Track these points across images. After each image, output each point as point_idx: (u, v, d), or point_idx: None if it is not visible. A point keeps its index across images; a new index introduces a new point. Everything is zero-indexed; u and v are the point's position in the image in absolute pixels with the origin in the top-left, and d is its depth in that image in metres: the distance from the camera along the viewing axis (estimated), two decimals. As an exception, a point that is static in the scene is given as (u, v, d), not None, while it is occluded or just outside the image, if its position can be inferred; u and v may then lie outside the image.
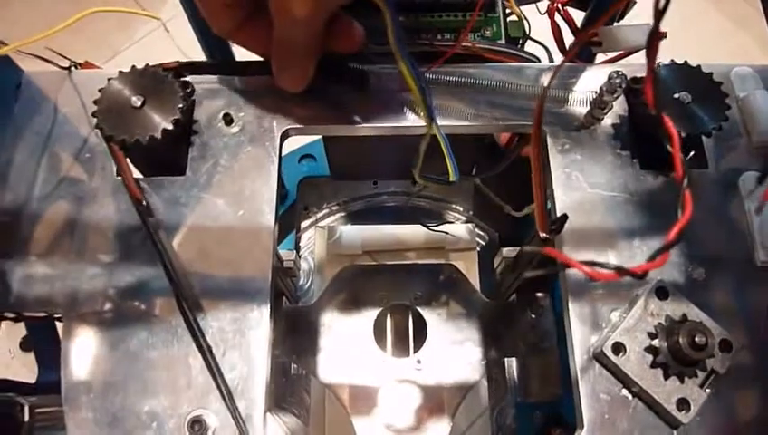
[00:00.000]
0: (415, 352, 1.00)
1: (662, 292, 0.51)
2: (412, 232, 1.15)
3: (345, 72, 0.58)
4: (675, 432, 0.50)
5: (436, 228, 1.17)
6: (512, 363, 1.06)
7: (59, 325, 0.64)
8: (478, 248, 1.19)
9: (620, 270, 0.41)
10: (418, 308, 1.03)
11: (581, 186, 0.57)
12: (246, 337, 0.52)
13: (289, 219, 1.18)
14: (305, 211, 1.23)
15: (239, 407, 0.49)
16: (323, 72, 0.56)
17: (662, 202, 0.57)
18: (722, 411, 0.51)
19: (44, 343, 0.64)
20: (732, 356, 0.49)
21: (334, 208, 1.25)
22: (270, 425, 0.51)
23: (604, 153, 0.59)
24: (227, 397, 0.48)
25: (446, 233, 1.15)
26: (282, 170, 0.60)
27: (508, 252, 0.97)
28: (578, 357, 0.52)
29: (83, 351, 0.52)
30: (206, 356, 0.49)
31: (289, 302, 1.06)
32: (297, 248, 1.23)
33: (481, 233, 1.24)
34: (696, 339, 0.46)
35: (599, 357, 0.51)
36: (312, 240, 1.23)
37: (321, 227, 1.25)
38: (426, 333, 1.02)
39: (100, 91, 0.55)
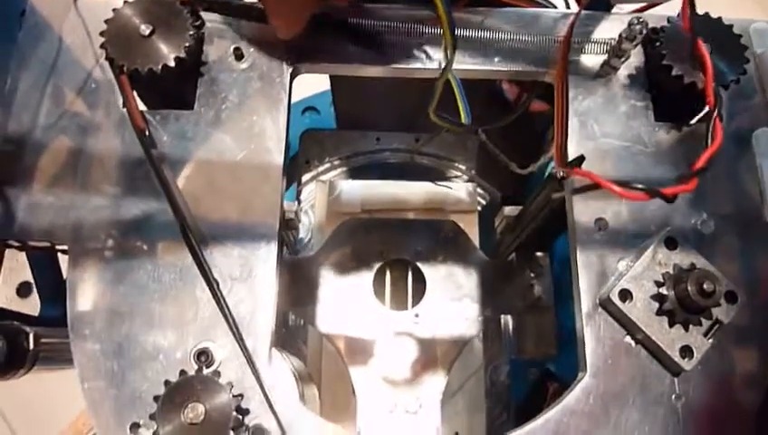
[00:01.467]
0: (413, 306, 1.01)
1: (671, 242, 0.51)
2: (413, 191, 1.14)
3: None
4: (676, 380, 0.50)
5: (438, 184, 1.17)
6: (508, 321, 1.07)
7: (62, 260, 0.64)
8: (479, 208, 1.19)
9: (650, 191, 0.41)
10: (418, 263, 1.03)
11: (595, 135, 0.57)
12: (254, 273, 0.52)
13: (290, 172, 1.17)
14: (306, 164, 1.22)
15: (245, 342, 0.49)
16: (323, 28, 0.56)
17: (674, 154, 0.56)
18: (723, 362, 0.51)
19: (47, 279, 0.64)
20: (737, 308, 0.50)
21: (336, 163, 1.24)
22: (275, 361, 0.51)
23: (619, 103, 0.58)
24: (234, 329, 0.48)
25: (449, 187, 1.15)
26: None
27: (510, 211, 0.97)
28: (584, 304, 0.52)
29: (89, 282, 0.52)
30: (212, 289, 0.49)
31: (289, 253, 1.06)
32: (298, 202, 1.22)
33: (482, 193, 1.24)
34: (705, 286, 0.46)
35: (605, 304, 0.51)
36: (313, 194, 1.22)
37: (322, 181, 1.24)
38: (424, 289, 1.02)
39: (106, 21, 0.54)
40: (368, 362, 1.00)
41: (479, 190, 1.22)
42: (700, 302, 0.46)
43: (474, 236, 1.10)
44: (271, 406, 0.46)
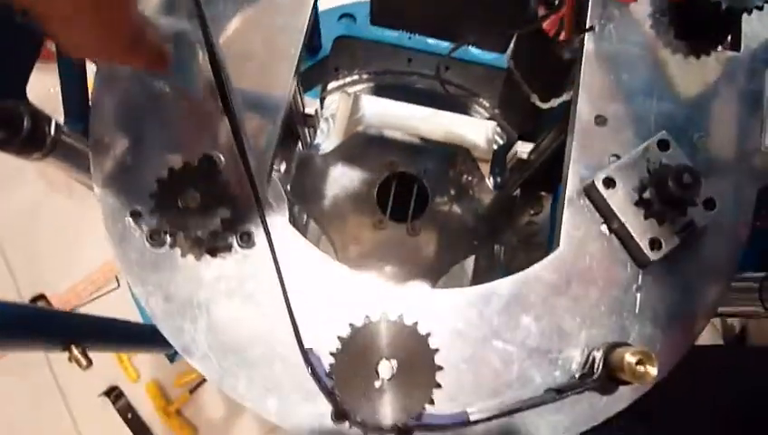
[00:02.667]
0: (412, 220, 1.04)
1: (664, 144, 0.53)
2: (435, 120, 1.16)
3: None
4: (641, 271, 0.53)
5: (461, 116, 1.18)
6: (501, 251, 1.10)
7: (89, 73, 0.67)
8: (495, 147, 1.21)
9: None
10: (424, 181, 1.06)
11: (613, 39, 0.58)
12: (268, 98, 0.55)
13: (318, 74, 1.19)
14: (335, 72, 1.24)
15: (249, 158, 0.52)
16: None
17: (686, 73, 0.58)
18: (688, 265, 0.54)
19: (74, 93, 0.68)
20: (713, 215, 0.52)
21: (364, 77, 1.26)
22: (273, 183, 0.55)
23: (642, 13, 0.59)
24: (239, 138, 0.51)
25: (471, 123, 1.17)
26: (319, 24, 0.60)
27: (522, 147, 0.99)
28: (570, 188, 0.54)
29: (113, 91, 0.55)
30: (225, 101, 0.52)
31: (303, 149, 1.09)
32: (321, 107, 1.25)
33: (500, 132, 1.26)
34: (684, 178, 0.48)
35: (588, 190, 0.54)
36: (336, 103, 1.24)
37: (347, 92, 1.27)
38: (426, 206, 1.05)
39: None
40: (360, 265, 1.04)
41: (497, 129, 1.24)
42: (677, 192, 0.48)
43: (486, 168, 1.13)
44: (262, 214, 0.50)
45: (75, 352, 0.58)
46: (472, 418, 0.48)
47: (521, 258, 1.07)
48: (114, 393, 1.54)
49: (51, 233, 1.60)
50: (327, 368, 0.47)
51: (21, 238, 1.61)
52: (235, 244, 0.51)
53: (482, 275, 1.08)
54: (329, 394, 0.48)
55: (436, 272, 1.04)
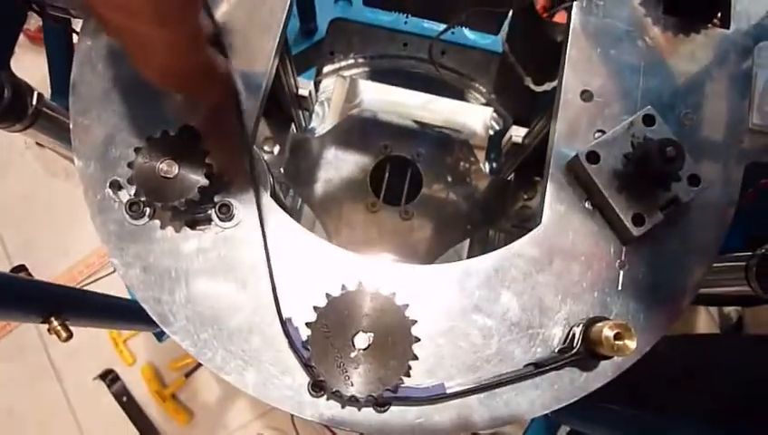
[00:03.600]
0: (405, 203, 1.04)
1: (649, 119, 0.53)
2: (432, 107, 1.15)
3: None
4: (624, 248, 0.53)
5: (457, 103, 1.18)
6: (495, 236, 1.09)
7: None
8: (491, 133, 1.21)
9: None
10: (418, 165, 1.05)
11: (600, 13, 0.58)
12: (250, 74, 0.54)
13: (313, 56, 1.19)
14: (331, 55, 1.23)
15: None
16: None
17: (675, 49, 0.57)
18: (671, 242, 0.53)
19: (60, 68, 0.67)
20: (697, 191, 0.51)
21: (360, 61, 1.25)
22: (255, 159, 0.55)
23: (631, -13, 0.59)
24: (238, 110, 0.51)
25: (467, 109, 1.16)
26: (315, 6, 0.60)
27: (517, 131, 0.98)
28: (553, 164, 0.54)
29: (95, 58, 0.55)
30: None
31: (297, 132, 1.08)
32: (316, 90, 1.24)
33: (496, 117, 1.25)
34: (667, 150, 0.48)
35: (573, 165, 0.53)
36: (332, 87, 1.24)
37: (342, 76, 1.26)
38: (420, 190, 1.05)
39: None
40: (352, 248, 1.04)
41: (494, 115, 1.23)
42: (660, 166, 0.48)
43: (480, 155, 1.12)
44: (255, 185, 0.50)
45: (55, 323, 0.58)
46: (449, 391, 0.48)
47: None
48: (109, 377, 1.55)
49: (47, 217, 1.60)
50: (304, 339, 0.47)
51: (17, 222, 1.61)
52: (214, 217, 0.51)
53: (475, 260, 1.07)
54: (305, 366, 0.48)
55: (430, 256, 1.03)
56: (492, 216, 1.07)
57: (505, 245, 1.06)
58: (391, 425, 0.48)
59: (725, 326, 1.61)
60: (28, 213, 1.61)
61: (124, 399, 1.52)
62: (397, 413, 0.48)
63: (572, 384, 0.50)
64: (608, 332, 0.45)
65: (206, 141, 0.51)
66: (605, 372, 0.50)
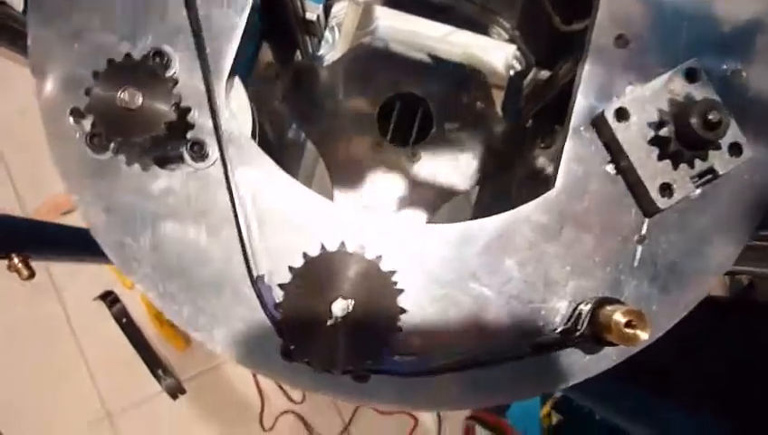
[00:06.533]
0: (413, 144, 0.97)
1: (692, 74, 0.45)
2: (452, 40, 1.06)
3: None
4: (647, 221, 0.47)
5: (478, 37, 1.09)
6: (507, 185, 1.03)
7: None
8: (512, 73, 1.12)
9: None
10: (430, 103, 0.98)
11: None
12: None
13: (325, -23, 1.09)
14: (344, -23, 1.13)
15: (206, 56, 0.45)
16: None
17: None
18: (700, 219, 0.47)
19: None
20: (738, 162, 0.45)
21: (376, -15, 1.15)
22: (237, 89, 0.48)
23: None
24: (196, 32, 0.44)
25: (488, 44, 1.07)
26: None
27: (540, 74, 0.90)
28: (576, 118, 0.47)
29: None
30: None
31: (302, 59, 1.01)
32: (326, 15, 1.15)
33: (518, 57, 1.16)
34: (710, 116, 0.41)
35: (597, 122, 0.46)
36: (344, 12, 1.14)
37: (357, 1, 1.16)
38: (430, 131, 0.98)
39: None
40: (354, 188, 0.98)
41: (516, 53, 1.14)
42: (699, 132, 0.41)
43: (498, 98, 1.04)
44: (215, 119, 0.44)
45: (15, 260, 0.54)
46: (435, 367, 0.44)
47: (526, 195, 1.00)
48: (110, 298, 1.54)
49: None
50: (278, 301, 0.43)
51: (19, 142, 1.57)
52: (185, 155, 0.45)
53: (484, 210, 1.01)
54: (278, 329, 0.43)
55: (435, 203, 0.98)
56: (505, 163, 1.00)
57: (517, 197, 1.01)
58: (370, 396, 0.44)
59: (735, 290, 1.55)
60: (30, 132, 1.57)
61: (123, 320, 1.52)
62: (376, 384, 0.44)
63: (572, 367, 0.45)
64: (619, 317, 0.40)
65: (178, 68, 0.45)
66: (609, 356, 0.45)
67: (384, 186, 0.98)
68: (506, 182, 1.06)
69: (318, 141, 0.99)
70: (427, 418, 1.38)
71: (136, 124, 0.41)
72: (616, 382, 0.44)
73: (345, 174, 0.99)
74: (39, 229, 0.61)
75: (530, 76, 0.90)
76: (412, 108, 0.99)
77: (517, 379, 0.45)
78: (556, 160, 0.48)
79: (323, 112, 0.98)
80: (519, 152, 0.99)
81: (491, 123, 0.99)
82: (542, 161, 0.98)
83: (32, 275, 0.55)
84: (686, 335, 0.42)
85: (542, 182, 0.97)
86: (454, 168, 0.98)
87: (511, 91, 1.07)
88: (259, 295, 0.43)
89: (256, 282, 0.43)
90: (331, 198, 0.96)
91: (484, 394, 0.45)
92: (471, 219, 0.99)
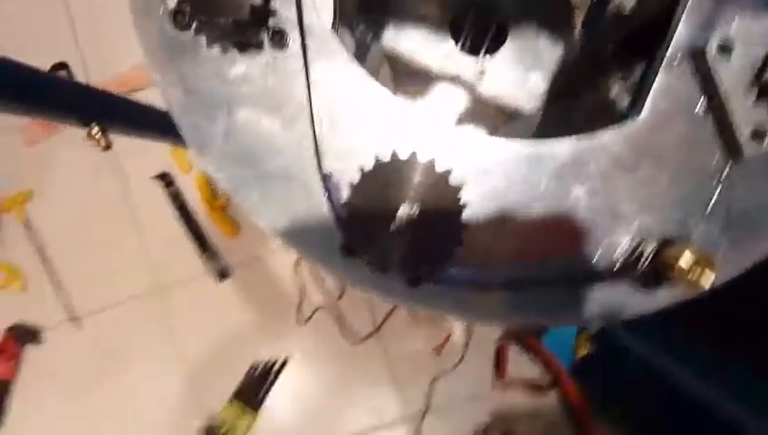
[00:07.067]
0: (483, 56, 0.93)
1: (814, 11, 0.42)
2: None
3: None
4: (728, 166, 0.45)
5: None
6: (575, 112, 0.99)
7: None
8: (598, -9, 1.04)
9: None
10: (507, 15, 0.93)
11: None
12: None
13: None
14: None
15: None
16: None
17: None
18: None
19: None
20: None
21: None
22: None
23: None
24: None
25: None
26: None
27: (630, -4, 0.84)
28: (673, 47, 0.44)
29: None
30: None
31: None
32: None
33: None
34: (829, 59, 0.38)
35: (696, 54, 0.44)
36: None
37: None
38: (501, 45, 0.93)
39: None
40: (417, 96, 0.96)
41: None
42: (811, 76, 0.38)
43: (579, 16, 0.98)
44: (299, 8, 0.43)
45: (95, 130, 0.55)
46: (489, 282, 0.44)
47: (594, 125, 0.97)
48: (166, 179, 1.59)
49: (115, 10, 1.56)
50: (345, 200, 0.43)
51: (87, 16, 1.58)
52: (266, 42, 0.45)
53: (547, 134, 0.99)
54: (341, 226, 0.44)
55: (497, 121, 0.95)
56: (576, 89, 0.96)
57: (584, 125, 0.97)
58: (422, 301, 0.45)
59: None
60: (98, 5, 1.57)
61: (177, 202, 1.58)
62: (428, 291, 0.45)
63: (621, 302, 0.45)
64: (687, 258, 0.39)
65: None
66: (665, 297, 0.45)
67: (447, 98, 0.96)
68: (572, 110, 1.02)
69: (386, 45, 0.96)
70: (458, 336, 1.42)
71: (221, 4, 0.40)
72: (671, 326, 0.44)
73: (409, 81, 0.97)
74: (114, 103, 0.62)
75: (618, -3, 0.84)
76: (487, 18, 0.94)
77: (568, 304, 0.45)
78: (637, 92, 0.45)
79: (395, 15, 0.94)
80: (593, 79, 0.95)
81: (568, 43, 0.94)
82: (616, 92, 0.93)
83: (108, 145, 0.57)
84: (754, 289, 0.41)
85: (613, 114, 0.93)
86: (521, 86, 0.94)
87: (595, 12, 1.01)
88: (327, 190, 0.44)
89: (326, 177, 0.43)
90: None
91: (531, 313, 0.46)
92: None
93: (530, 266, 0.45)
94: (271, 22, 0.44)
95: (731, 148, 0.44)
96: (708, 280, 0.38)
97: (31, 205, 1.60)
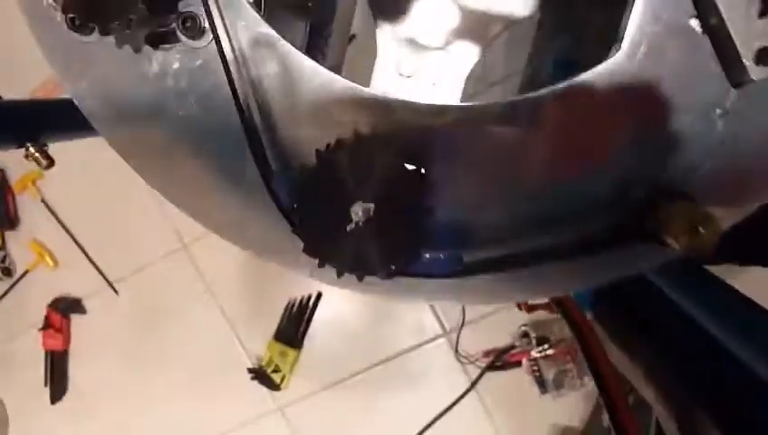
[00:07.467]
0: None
1: None
2: None
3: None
4: (731, 92, 0.38)
5: None
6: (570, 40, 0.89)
7: None
8: None
9: None
10: None
11: None
12: None
13: None
14: None
15: None
16: None
17: None
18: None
19: None
20: None
21: None
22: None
23: None
24: None
25: None
26: None
27: None
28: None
29: None
30: None
31: None
32: None
33: None
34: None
35: (685, -38, 0.36)
36: None
37: None
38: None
39: None
40: (398, 18, 0.88)
41: None
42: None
43: None
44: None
45: (32, 150, 0.50)
46: (469, 261, 0.40)
47: (591, 54, 0.87)
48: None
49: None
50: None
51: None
52: (178, 32, 0.39)
53: (548, 41, 0.89)
54: (297, 235, 0.40)
55: (490, 32, 0.87)
56: (573, 14, 0.86)
57: (582, 35, 0.88)
58: (399, 296, 0.42)
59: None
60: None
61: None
62: (405, 284, 0.41)
63: (621, 261, 0.41)
64: (684, 220, 0.34)
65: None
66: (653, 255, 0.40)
67: (431, 12, 0.87)
68: (574, 4, 0.91)
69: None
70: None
71: (109, 4, 0.35)
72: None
73: (388, 2, 0.88)
74: (49, 111, 0.56)
75: None
76: None
77: (568, 275, 0.41)
78: (627, 12, 0.38)
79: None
80: (591, 4, 0.84)
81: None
82: (615, 20, 0.82)
83: (51, 163, 0.53)
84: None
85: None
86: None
87: None
88: (273, 192, 0.39)
89: (271, 184, 0.39)
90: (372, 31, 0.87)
91: (529, 290, 0.42)
92: (533, 52, 0.89)
93: (519, 242, 0.40)
94: (180, 6, 0.38)
95: (732, 72, 0.37)
96: (709, 245, 0.33)
97: (42, 182, 1.60)
